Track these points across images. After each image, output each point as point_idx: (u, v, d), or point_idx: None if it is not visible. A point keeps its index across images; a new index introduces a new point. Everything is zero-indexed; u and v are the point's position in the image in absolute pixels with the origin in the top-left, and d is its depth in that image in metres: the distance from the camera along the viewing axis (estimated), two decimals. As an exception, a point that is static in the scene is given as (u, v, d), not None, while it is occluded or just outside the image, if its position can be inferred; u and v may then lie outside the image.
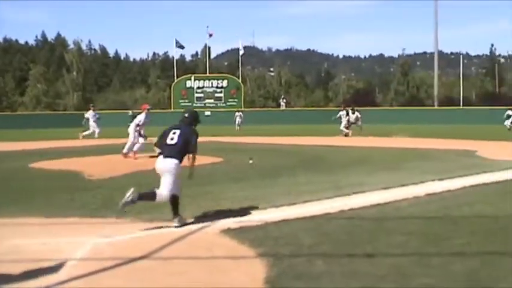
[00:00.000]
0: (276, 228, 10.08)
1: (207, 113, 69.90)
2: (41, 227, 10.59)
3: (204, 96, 76.47)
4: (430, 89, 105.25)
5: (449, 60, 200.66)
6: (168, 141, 10.81)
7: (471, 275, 7.22)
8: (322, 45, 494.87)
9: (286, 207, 12.31)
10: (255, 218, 11.09)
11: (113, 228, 10.38)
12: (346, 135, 41.61)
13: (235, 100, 76.06)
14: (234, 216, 11.35)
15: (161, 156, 10.79)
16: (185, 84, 77.50)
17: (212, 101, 76.22)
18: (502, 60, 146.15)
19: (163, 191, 10.43)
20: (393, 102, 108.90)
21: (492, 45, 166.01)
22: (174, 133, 10.95)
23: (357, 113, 44.37)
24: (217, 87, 77.17)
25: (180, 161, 10.75)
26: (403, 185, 15.33)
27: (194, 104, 75.12)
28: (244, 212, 11.77)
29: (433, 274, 7.23)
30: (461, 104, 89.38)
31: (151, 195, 10.44)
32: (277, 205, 12.41)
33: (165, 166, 10.59)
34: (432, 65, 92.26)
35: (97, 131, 43.34)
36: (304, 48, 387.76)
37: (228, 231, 9.84)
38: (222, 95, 76.66)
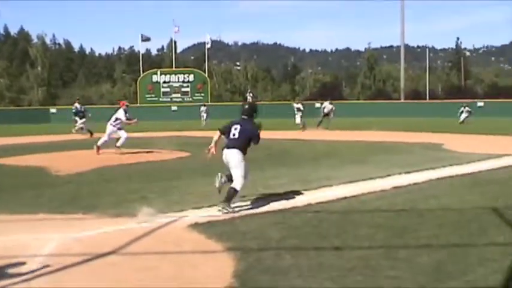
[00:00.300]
0: (244, 223, 10.06)
1: (174, 107, 69.66)
2: (8, 224, 10.46)
3: (170, 91, 76.13)
4: (396, 82, 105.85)
5: (415, 54, 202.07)
6: (231, 136, 11.99)
7: (438, 267, 7.24)
8: (289, 39, 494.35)
9: (254, 201, 12.29)
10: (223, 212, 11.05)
11: (80, 224, 10.29)
12: (303, 128, 41.49)
13: (202, 94, 75.85)
14: (202, 210, 11.32)
15: (226, 148, 11.96)
16: (151, 78, 77.12)
17: (179, 95, 75.90)
18: (468, 53, 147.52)
19: (237, 178, 11.58)
20: (360, 96, 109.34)
21: (458, 38, 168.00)
22: (235, 129, 12.01)
23: (332, 106, 44.55)
24: (183, 81, 76.88)
25: (242, 151, 11.83)
26: (370, 179, 15.38)
27: (160, 99, 74.84)
28: (211, 206, 11.72)
29: (400, 266, 7.25)
30: (427, 97, 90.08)
31: (230, 178, 11.80)
32: (245, 199, 12.38)
33: (230, 156, 11.79)
34: (398, 58, 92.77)
35: (78, 125, 42.72)
36: (270, 42, 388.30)
37: (195, 226, 9.80)
38: (188, 89, 76.38)
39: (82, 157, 23.13)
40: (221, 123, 12.77)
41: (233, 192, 11.38)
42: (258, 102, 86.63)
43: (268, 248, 8.29)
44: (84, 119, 42.53)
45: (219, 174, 11.88)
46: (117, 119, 23.25)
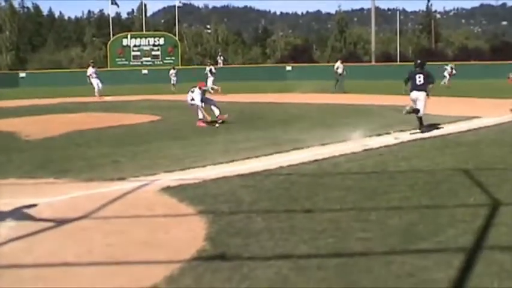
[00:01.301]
0: (215, 186, 10.06)
1: (144, 71, 69.20)
2: (-24, 189, 10.36)
3: (140, 55, 75.40)
4: (367, 45, 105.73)
5: (386, 17, 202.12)
6: (417, 82, 17.76)
7: (409, 228, 7.29)
8: (259, 2, 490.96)
9: (225, 164, 12.29)
10: (194, 175, 11.04)
11: (51, 188, 10.23)
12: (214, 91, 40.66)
13: (173, 58, 75.21)
14: (174, 174, 11.30)
15: (414, 90, 17.76)
16: (121, 42, 76.27)
17: (149, 59, 75.18)
18: (438, 16, 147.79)
19: (421, 110, 17.44)
20: (330, 59, 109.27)
21: (428, 1, 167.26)
22: (419, 77, 17.85)
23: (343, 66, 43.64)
24: (154, 45, 76.15)
25: (426, 91, 17.74)
26: (341, 141, 15.42)
27: (131, 62, 74.28)
28: (183, 169, 11.70)
29: (370, 228, 7.29)
30: (398, 60, 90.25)
31: (417, 110, 17.46)
32: (216, 162, 12.38)
33: (419, 95, 17.62)
34: (369, 21, 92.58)
35: (97, 87, 40.90)
36: (241, 5, 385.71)
37: (167, 190, 9.78)
38: (159, 53, 75.69)
39: (52, 122, 22.94)
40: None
41: (421, 118, 17.46)
42: (228, 65, 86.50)
43: (240, 211, 8.29)
44: (98, 81, 41.38)
45: (407, 106, 17.72)
46: (192, 99, 22.20)
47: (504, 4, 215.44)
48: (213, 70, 43.53)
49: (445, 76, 48.96)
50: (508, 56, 65.98)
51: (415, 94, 17.64)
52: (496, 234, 7.10)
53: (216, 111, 21.04)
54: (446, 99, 32.02)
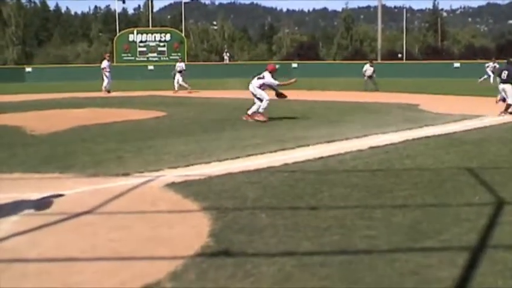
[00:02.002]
0: (220, 182, 10.05)
1: (150, 67, 69.22)
2: (-19, 183, 10.38)
3: (146, 50, 75.40)
4: (373, 42, 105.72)
5: (392, 14, 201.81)
6: (502, 76, 22.40)
7: (413, 226, 7.28)
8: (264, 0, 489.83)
9: (230, 161, 12.28)
10: (199, 172, 11.04)
11: (56, 183, 10.23)
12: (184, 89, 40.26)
13: (179, 54, 75.02)
14: (178, 170, 11.30)
15: (502, 83, 22.26)
16: (128, 38, 76.27)
17: (155, 55, 75.22)
18: (445, 14, 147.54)
19: (508, 98, 21.65)
20: (336, 56, 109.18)
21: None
22: (504, 73, 22.30)
23: (373, 67, 43.04)
24: (160, 41, 76.12)
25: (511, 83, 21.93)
26: (346, 139, 15.41)
27: (137, 58, 74.27)
28: (188, 166, 11.70)
29: (375, 226, 7.28)
30: (404, 58, 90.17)
31: (504, 99, 22.27)
32: (221, 159, 12.37)
33: (506, 87, 21.79)
34: (376, 19, 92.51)
35: (107, 81, 41.15)
36: (247, 2, 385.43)
37: (172, 185, 9.77)
38: (165, 49, 75.67)
39: (58, 117, 22.97)
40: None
41: (509, 105, 21.52)
42: (235, 62, 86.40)
43: (244, 207, 8.29)
44: (109, 75, 41.14)
45: (499, 95, 22.92)
46: (264, 84, 20.73)
47: (511, 3, 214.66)
48: (184, 67, 42.31)
49: (488, 74, 48.13)
50: (514, 54, 65.88)
51: (501, 86, 22.46)
52: (500, 233, 7.09)
53: (255, 108, 20.54)
54: (451, 98, 31.99)
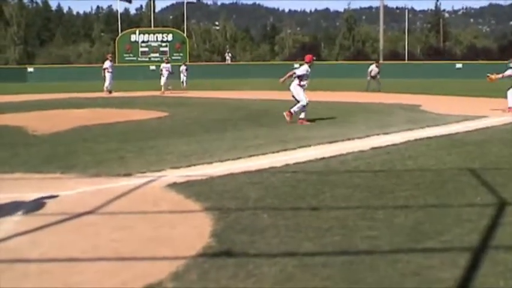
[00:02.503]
0: (222, 182, 10.05)
1: (152, 67, 69.28)
2: (-17, 183, 10.39)
3: (149, 51, 75.49)
4: (375, 43, 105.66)
5: (394, 15, 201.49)
6: None
7: (415, 227, 7.28)
8: (268, 0, 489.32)
9: (232, 161, 12.29)
10: (201, 172, 11.04)
11: (58, 183, 10.24)
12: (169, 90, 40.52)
13: (181, 54, 75.23)
14: (180, 170, 11.30)
15: None
16: (130, 38, 76.36)
17: (157, 55, 75.22)
18: (447, 15, 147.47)
19: None
20: (338, 57, 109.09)
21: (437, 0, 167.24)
22: None
23: (378, 68, 42.51)
24: (162, 41, 76.20)
25: None
26: (348, 139, 15.42)
27: (139, 58, 74.33)
28: (190, 166, 11.71)
29: (377, 227, 7.28)
30: (406, 58, 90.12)
31: None
32: (223, 159, 12.38)
33: None
34: (378, 19, 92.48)
35: (109, 82, 40.85)
36: (249, 2, 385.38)
37: (174, 186, 9.78)
38: (167, 49, 75.70)
39: (59, 117, 22.99)
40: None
41: None
42: (237, 62, 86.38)
43: (246, 207, 8.29)
44: (110, 76, 41.00)
45: None
46: (300, 77, 20.01)
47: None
48: (170, 68, 42.36)
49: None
50: (516, 55, 65.86)
51: None
52: (502, 233, 7.08)
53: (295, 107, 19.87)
54: (453, 98, 31.98)
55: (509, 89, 22.96)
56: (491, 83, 24.46)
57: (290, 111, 19.75)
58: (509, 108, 22.72)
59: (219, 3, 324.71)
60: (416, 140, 15.30)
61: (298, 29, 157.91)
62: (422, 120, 19.82)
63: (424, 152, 13.35)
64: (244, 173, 10.94)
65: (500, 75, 23.37)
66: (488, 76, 24.13)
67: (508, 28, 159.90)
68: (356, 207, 8.35)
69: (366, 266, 5.95)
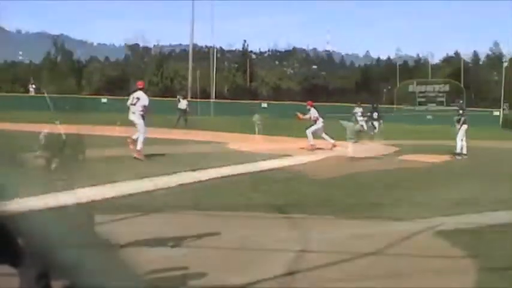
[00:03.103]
0: None
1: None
2: None
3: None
4: (184, 81, 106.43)
5: (203, 54, 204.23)
6: None
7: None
8: (74, 32, 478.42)
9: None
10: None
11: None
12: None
13: None
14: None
15: None
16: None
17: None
18: (254, 56, 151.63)
19: None
20: (148, 92, 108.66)
21: (245, 41, 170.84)
22: None
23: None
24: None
25: None
26: (161, 175, 15.27)
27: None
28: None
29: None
30: (213, 96, 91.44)
31: None
32: None
33: None
34: (187, 57, 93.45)
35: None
36: (57, 33, 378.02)
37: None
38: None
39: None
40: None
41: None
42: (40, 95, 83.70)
43: None
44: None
45: None
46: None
47: (315, 49, 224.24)
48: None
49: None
50: (317, 97, 68.61)
51: None
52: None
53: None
54: (258, 137, 32.62)
55: (308, 127, 24.89)
56: (299, 121, 25.93)
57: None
58: (311, 145, 24.77)
59: (23, 31, 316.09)
60: (223, 177, 15.52)
61: (106, 63, 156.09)
62: (229, 158, 20.07)
63: (230, 189, 13.59)
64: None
65: (307, 116, 25.01)
66: (297, 114, 26.08)
67: (311, 71, 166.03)
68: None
69: None
